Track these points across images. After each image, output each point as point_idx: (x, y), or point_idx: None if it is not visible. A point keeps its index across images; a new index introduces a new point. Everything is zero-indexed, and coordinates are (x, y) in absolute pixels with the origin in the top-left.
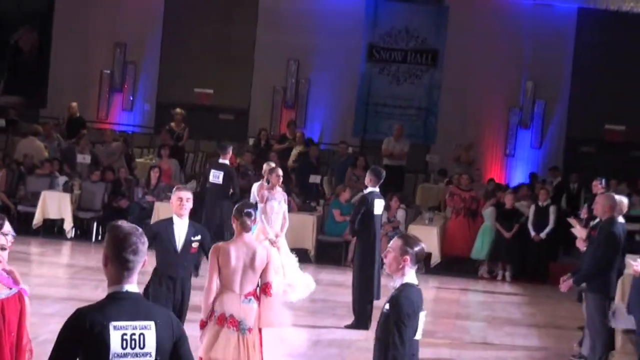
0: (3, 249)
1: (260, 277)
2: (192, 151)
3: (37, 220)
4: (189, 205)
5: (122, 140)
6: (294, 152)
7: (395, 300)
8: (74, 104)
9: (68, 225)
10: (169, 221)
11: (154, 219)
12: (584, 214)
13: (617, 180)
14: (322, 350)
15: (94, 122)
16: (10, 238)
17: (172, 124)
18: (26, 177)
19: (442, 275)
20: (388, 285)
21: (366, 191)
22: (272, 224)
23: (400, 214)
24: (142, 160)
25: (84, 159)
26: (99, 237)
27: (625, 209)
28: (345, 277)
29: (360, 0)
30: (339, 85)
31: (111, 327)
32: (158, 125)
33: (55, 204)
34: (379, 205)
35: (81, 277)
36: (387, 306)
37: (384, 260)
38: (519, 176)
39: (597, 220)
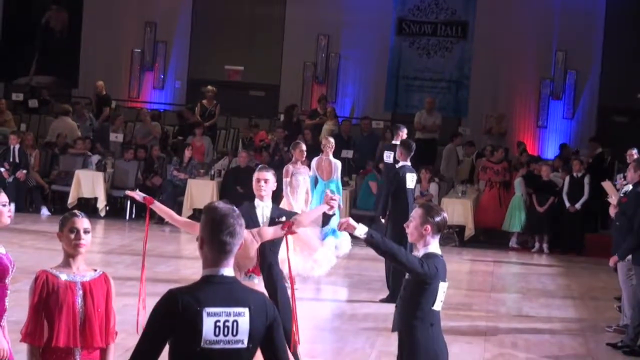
0: None
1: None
2: (223, 128)
3: (71, 199)
4: (267, 186)
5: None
6: (325, 127)
7: None
8: (100, 83)
9: (101, 204)
10: (251, 205)
11: (186, 197)
12: (620, 184)
13: None
14: (357, 324)
15: (125, 101)
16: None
17: (204, 101)
18: (59, 156)
19: (476, 248)
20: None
21: (397, 165)
22: (298, 198)
23: (433, 188)
24: (175, 140)
25: (116, 137)
26: (133, 216)
27: None
28: None
29: None
30: (369, 59)
31: (204, 314)
32: (189, 103)
33: (88, 183)
34: (410, 179)
35: (115, 255)
36: (407, 275)
37: (406, 230)
38: (551, 147)
39: (628, 187)
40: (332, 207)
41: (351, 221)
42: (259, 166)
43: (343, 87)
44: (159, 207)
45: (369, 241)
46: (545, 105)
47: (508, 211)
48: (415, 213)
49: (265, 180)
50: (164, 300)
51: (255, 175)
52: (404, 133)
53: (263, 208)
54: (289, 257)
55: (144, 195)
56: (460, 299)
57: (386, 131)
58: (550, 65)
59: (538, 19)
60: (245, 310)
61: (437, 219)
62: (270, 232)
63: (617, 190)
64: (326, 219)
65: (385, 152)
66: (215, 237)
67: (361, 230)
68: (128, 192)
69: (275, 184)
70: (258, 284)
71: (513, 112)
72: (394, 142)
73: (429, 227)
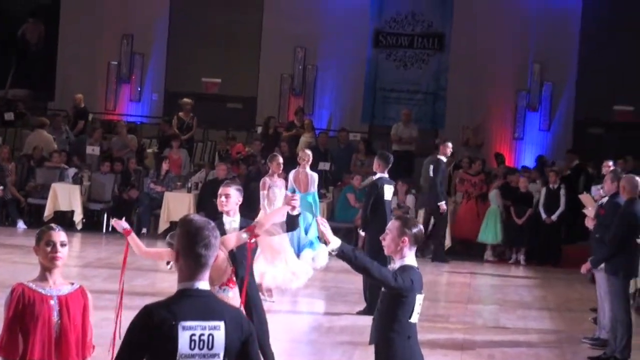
0: None
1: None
2: (200, 140)
3: (48, 212)
4: (229, 201)
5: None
6: (303, 139)
7: None
8: (79, 96)
9: (78, 217)
10: (219, 221)
11: (163, 209)
12: (598, 196)
13: (624, 160)
14: (334, 337)
15: (102, 114)
16: None
17: (181, 114)
18: (36, 169)
19: (453, 260)
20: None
21: (375, 177)
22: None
23: (410, 200)
24: (150, 150)
25: (92, 150)
26: (109, 229)
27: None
28: None
29: None
30: (347, 71)
31: (180, 327)
32: (166, 115)
33: (65, 196)
34: (388, 191)
35: (92, 268)
36: (384, 288)
37: (383, 243)
38: (528, 159)
39: (606, 198)
40: (294, 208)
41: (329, 233)
42: (225, 182)
43: (320, 99)
44: (133, 239)
45: (340, 256)
46: (522, 117)
47: (483, 223)
48: (392, 225)
49: (226, 196)
50: (140, 315)
51: (219, 191)
52: (448, 149)
53: (231, 223)
54: (248, 271)
55: (124, 226)
56: (437, 310)
57: (360, 143)
58: (527, 77)
59: (514, 31)
60: (221, 324)
61: (415, 230)
62: (232, 239)
63: (595, 201)
64: (290, 223)
65: (431, 166)
66: (190, 249)
67: (333, 245)
68: (114, 222)
69: (240, 199)
70: (232, 297)
71: (490, 123)
72: (438, 156)
73: (406, 239)
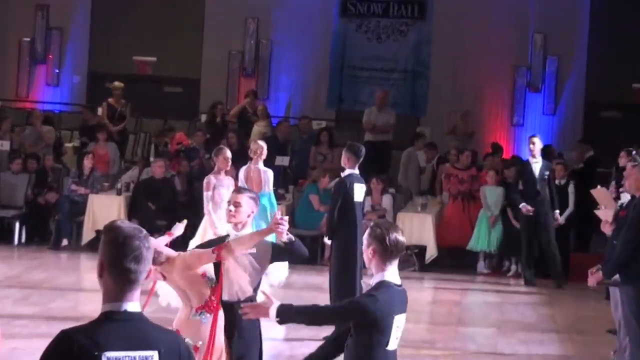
0: None
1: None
2: (132, 132)
3: None
4: (239, 211)
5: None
6: (256, 129)
7: None
8: None
9: None
10: (221, 237)
11: (87, 215)
12: (612, 192)
13: None
14: None
15: (12, 101)
16: None
17: (111, 100)
18: None
19: (440, 272)
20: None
21: (343, 174)
22: (221, 215)
23: (387, 200)
24: (71, 145)
25: (1, 145)
26: (22, 240)
27: None
28: (321, 279)
29: None
30: (308, 46)
31: (104, 359)
32: (90, 102)
33: None
34: (359, 190)
35: (1, 288)
36: None
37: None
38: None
39: (627, 196)
40: (281, 233)
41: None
42: (237, 187)
43: (276, 80)
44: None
45: (283, 323)
46: (521, 98)
47: (476, 227)
48: (365, 233)
49: (235, 204)
50: (56, 342)
51: (228, 198)
52: (534, 145)
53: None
54: (221, 286)
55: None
56: (421, 334)
57: (322, 133)
58: (527, 51)
59: None
60: (154, 354)
61: (387, 239)
62: (196, 256)
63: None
64: (290, 252)
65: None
66: (117, 263)
67: (272, 312)
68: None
69: (254, 210)
70: (207, 323)
71: (482, 107)
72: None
73: (372, 249)
